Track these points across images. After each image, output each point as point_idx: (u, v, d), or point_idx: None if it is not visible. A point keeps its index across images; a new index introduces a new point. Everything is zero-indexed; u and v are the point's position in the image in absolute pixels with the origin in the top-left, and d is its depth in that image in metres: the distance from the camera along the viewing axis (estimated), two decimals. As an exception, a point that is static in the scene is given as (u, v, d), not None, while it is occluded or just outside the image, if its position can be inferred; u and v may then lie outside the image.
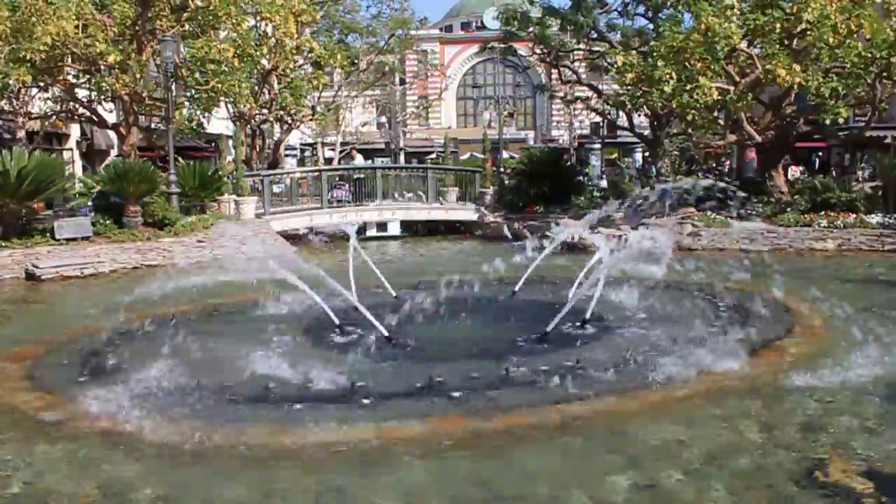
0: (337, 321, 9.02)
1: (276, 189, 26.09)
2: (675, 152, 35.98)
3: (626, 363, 7.33)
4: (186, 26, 21.66)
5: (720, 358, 7.27)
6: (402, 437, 5.68)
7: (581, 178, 28.28)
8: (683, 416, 6.16)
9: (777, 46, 20.02)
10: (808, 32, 19.13)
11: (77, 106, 22.45)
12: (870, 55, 19.04)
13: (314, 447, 5.55)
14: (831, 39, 18.90)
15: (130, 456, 5.53)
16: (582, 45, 31.94)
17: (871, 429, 5.82)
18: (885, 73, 19.53)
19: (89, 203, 18.88)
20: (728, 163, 37.12)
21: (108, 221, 18.01)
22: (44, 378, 7.60)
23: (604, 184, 30.93)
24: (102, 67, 20.17)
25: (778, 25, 19.55)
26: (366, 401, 6.42)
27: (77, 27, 18.74)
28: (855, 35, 19.41)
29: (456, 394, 6.53)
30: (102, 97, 22.20)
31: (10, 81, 19.71)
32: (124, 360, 7.90)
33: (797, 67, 19.14)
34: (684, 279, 11.13)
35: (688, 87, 19.63)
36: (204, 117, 24.04)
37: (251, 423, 6.00)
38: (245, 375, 7.08)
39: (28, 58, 18.06)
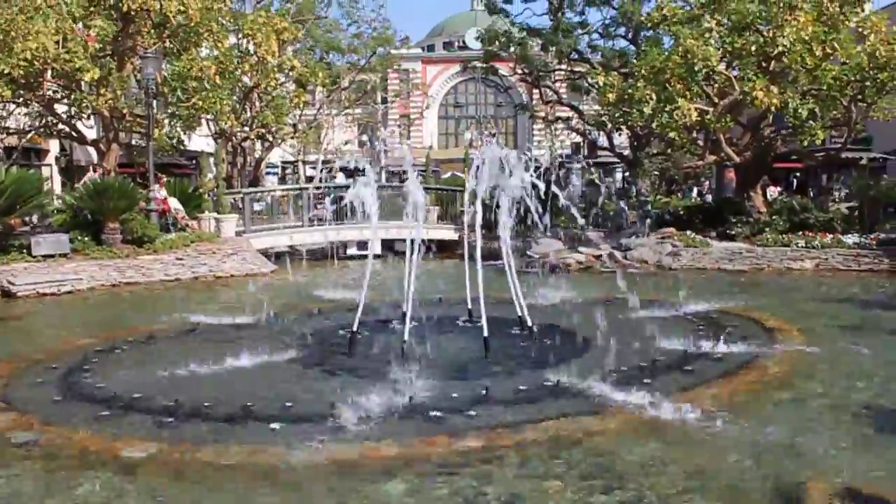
0: None
1: (256, 207, 26.00)
2: (656, 172, 36.25)
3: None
4: (168, 43, 21.61)
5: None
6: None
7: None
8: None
9: (755, 69, 20.31)
10: (785, 55, 19.42)
11: (56, 121, 22.28)
12: (845, 78, 19.36)
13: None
14: (808, 62, 19.21)
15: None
16: (563, 66, 32.23)
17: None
18: (860, 96, 19.85)
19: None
20: (707, 183, 37.49)
21: (86, 238, 17.83)
22: (17, 397, 7.50)
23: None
24: (82, 83, 20.06)
25: (754, 48, 19.84)
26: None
27: (57, 43, 18.64)
28: (830, 58, 19.74)
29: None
30: (82, 113, 22.07)
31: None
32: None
33: (774, 89, 19.41)
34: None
35: (667, 107, 19.83)
36: (185, 134, 23.94)
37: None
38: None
39: (7, 73, 17.93)
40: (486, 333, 8.50)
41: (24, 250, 16.91)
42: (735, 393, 7.24)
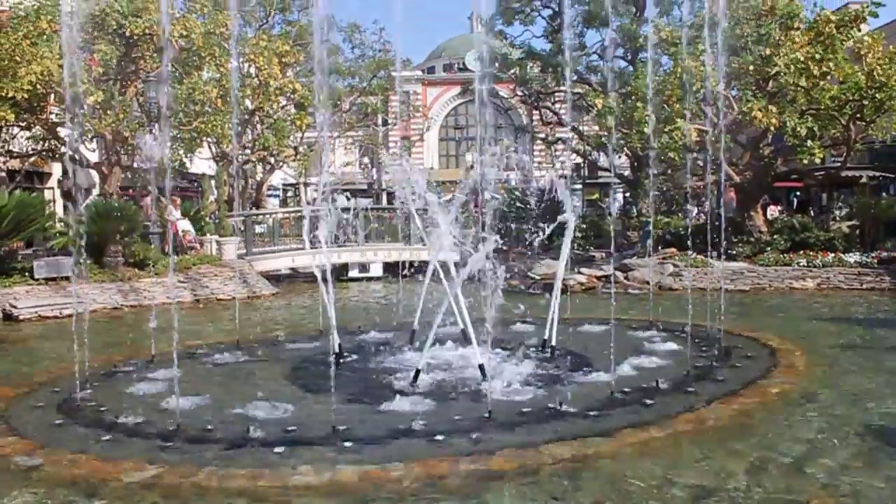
0: None
1: (258, 229, 26.03)
2: (656, 193, 36.28)
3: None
4: (170, 67, 21.75)
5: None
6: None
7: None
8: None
9: (753, 88, 20.42)
10: (782, 75, 19.54)
11: (59, 144, 22.39)
12: (843, 97, 19.46)
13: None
14: (804, 82, 19.32)
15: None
16: (563, 87, 32.42)
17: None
18: (858, 115, 19.92)
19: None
20: (707, 203, 37.46)
21: (88, 261, 17.82)
22: (18, 420, 7.48)
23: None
24: (85, 107, 20.17)
25: (752, 68, 19.96)
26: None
27: (61, 66, 18.77)
28: (828, 77, 19.84)
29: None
30: (85, 136, 22.15)
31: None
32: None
33: (773, 109, 19.51)
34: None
35: (667, 128, 19.93)
36: (187, 157, 24.04)
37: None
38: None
39: (11, 96, 18.03)
40: (479, 360, 8.47)
41: (27, 273, 16.93)
42: (739, 413, 7.23)
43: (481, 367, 8.36)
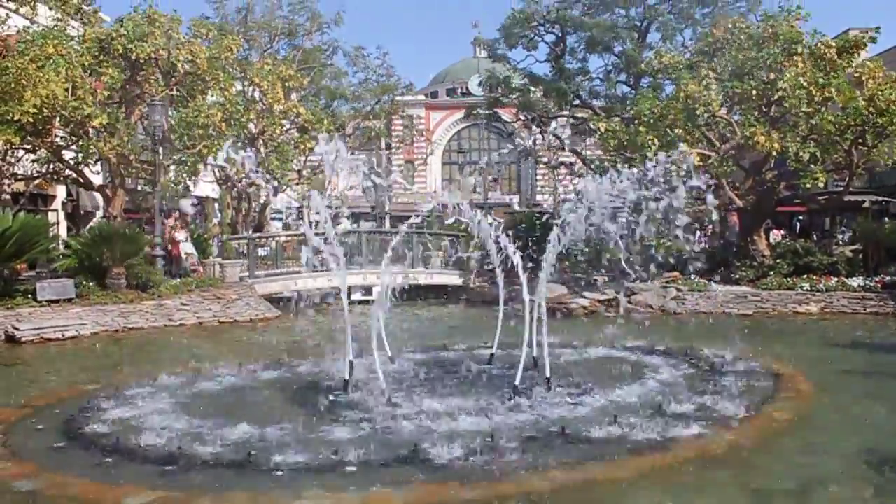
0: None
1: (261, 252, 26.03)
2: (659, 216, 36.26)
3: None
4: (175, 91, 21.91)
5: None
6: None
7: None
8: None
9: (755, 113, 20.50)
10: (784, 100, 19.63)
11: (63, 167, 22.47)
12: (844, 122, 19.51)
13: None
14: (805, 107, 19.40)
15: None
16: (565, 112, 32.54)
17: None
18: (860, 140, 19.97)
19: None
20: (711, 227, 37.46)
21: (91, 283, 17.84)
22: (19, 443, 7.44)
23: None
24: (90, 130, 20.29)
25: (755, 93, 20.06)
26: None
27: (66, 90, 18.90)
28: (829, 103, 19.93)
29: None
30: (89, 159, 22.27)
31: (-1, 143, 19.74)
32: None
33: (775, 134, 19.57)
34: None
35: (669, 152, 19.96)
36: (190, 180, 24.11)
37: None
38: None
39: (16, 119, 18.12)
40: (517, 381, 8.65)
41: (30, 295, 16.92)
42: (742, 441, 7.16)
43: (514, 388, 8.61)
